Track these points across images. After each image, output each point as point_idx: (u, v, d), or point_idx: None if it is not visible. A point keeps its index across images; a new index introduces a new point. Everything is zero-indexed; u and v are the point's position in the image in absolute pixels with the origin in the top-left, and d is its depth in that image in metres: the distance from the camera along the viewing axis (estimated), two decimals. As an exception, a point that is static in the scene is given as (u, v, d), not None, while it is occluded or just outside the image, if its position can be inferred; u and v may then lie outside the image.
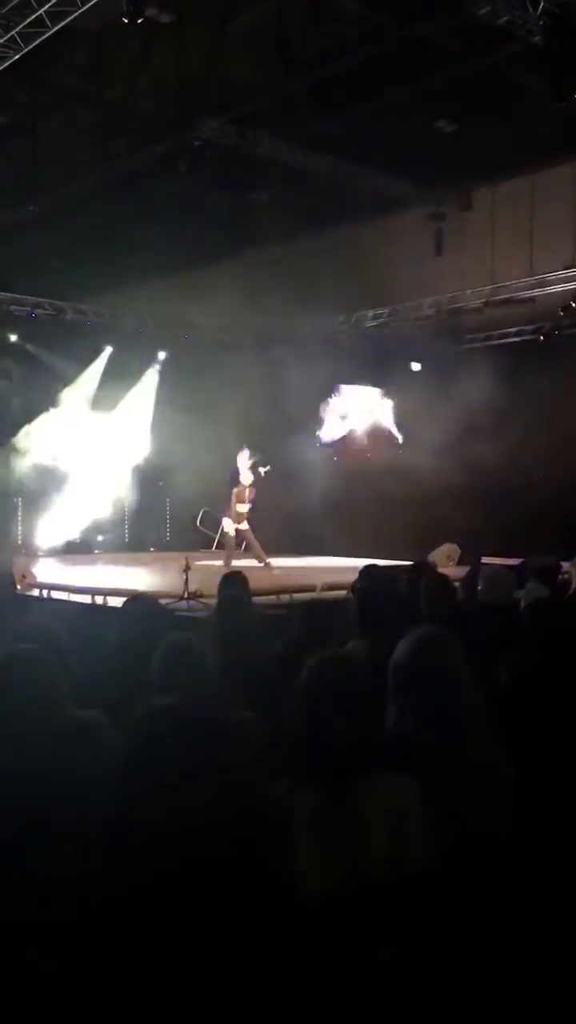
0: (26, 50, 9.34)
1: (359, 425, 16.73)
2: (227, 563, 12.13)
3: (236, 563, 11.64)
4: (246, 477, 13.12)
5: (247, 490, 13.09)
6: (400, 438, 16.13)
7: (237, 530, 13.14)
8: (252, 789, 1.98)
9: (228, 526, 13.20)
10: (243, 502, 13.05)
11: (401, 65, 10.51)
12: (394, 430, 16.26)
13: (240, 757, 2.39)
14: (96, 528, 17.36)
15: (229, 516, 13.16)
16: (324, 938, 1.55)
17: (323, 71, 10.70)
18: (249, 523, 13.14)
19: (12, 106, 11.74)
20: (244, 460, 13.21)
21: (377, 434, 16.52)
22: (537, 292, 13.63)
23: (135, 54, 10.89)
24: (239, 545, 13.39)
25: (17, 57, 9.43)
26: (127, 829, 1.56)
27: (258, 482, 13.21)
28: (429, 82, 10.88)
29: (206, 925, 1.39)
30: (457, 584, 5.93)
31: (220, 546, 13.93)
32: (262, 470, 13.22)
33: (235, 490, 13.15)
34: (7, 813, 2.11)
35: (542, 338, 13.86)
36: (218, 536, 13.88)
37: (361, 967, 1.52)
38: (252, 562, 12.56)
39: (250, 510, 13.14)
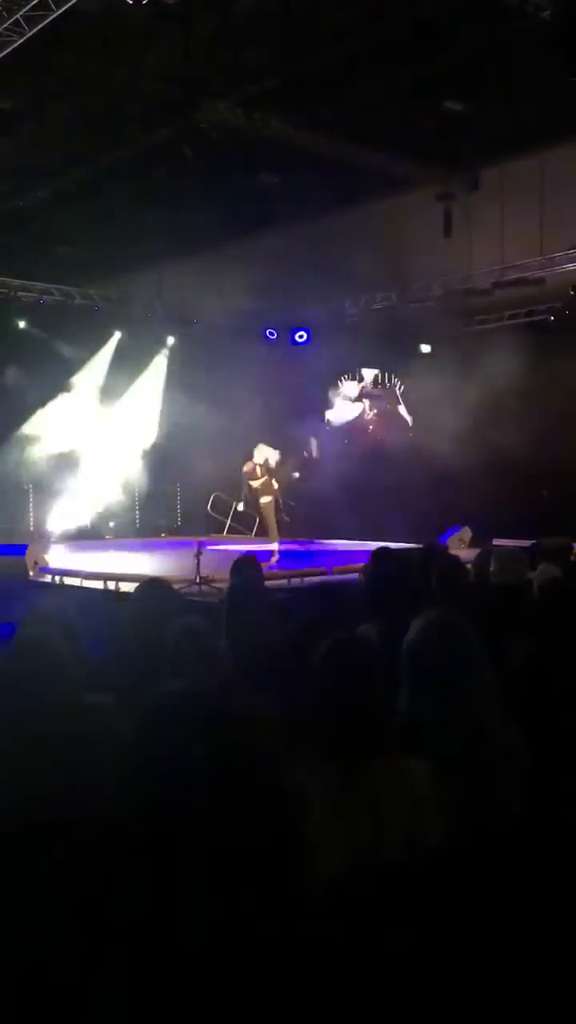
0: (30, 33, 9.29)
1: (369, 408, 16.69)
2: (272, 536, 12.16)
3: (247, 547, 11.64)
4: (260, 457, 13.01)
5: (256, 466, 12.95)
6: (410, 420, 16.09)
7: (259, 507, 13.04)
8: (265, 772, 1.97)
9: (264, 499, 13.05)
10: (255, 478, 12.93)
11: (409, 45, 10.41)
12: (404, 412, 16.23)
13: (253, 740, 2.38)
14: (107, 514, 17.39)
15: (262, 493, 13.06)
16: (338, 919, 1.55)
17: (330, 51, 10.61)
18: (275, 502, 13.04)
19: (17, 91, 11.68)
20: (262, 454, 13.07)
21: (387, 417, 16.49)
22: (547, 272, 13.53)
23: (140, 36, 10.82)
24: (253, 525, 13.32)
25: (21, 41, 9.37)
26: (138, 812, 1.56)
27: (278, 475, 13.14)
28: (437, 61, 10.78)
29: (220, 908, 1.39)
30: (469, 566, 5.91)
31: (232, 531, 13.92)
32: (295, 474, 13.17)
33: (244, 470, 13.05)
34: (20, 796, 2.12)
35: (552, 318, 13.77)
36: (229, 520, 13.84)
37: (376, 948, 1.52)
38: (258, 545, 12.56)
39: (264, 487, 13.02)
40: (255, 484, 12.86)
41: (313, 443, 13.13)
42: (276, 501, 12.93)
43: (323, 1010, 1.36)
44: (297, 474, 13.31)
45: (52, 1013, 1.48)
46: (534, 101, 11.27)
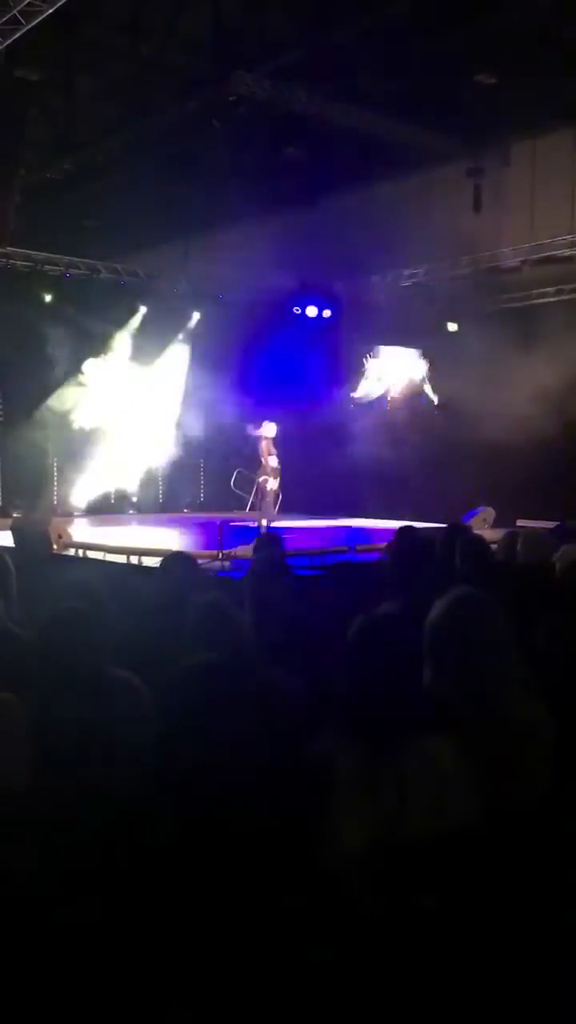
0: (60, 3, 9.22)
1: (394, 386, 16.60)
2: (268, 516, 12.19)
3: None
4: (268, 431, 13.09)
5: (271, 442, 13.07)
6: (436, 400, 15.99)
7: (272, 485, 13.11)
8: (290, 746, 1.98)
9: (268, 481, 13.11)
10: (272, 455, 13.03)
11: (440, 17, 10.26)
12: (430, 391, 16.12)
13: (277, 714, 2.39)
14: (131, 488, 17.44)
15: (264, 472, 13.12)
16: (363, 890, 1.56)
17: (360, 23, 10.47)
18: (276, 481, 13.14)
19: (46, 62, 11.63)
20: (271, 431, 13.16)
21: (413, 395, 16.39)
22: (577, 250, 13.36)
23: (170, 7, 10.73)
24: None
25: (51, 11, 9.30)
26: (165, 784, 1.57)
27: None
28: (469, 34, 10.62)
29: (247, 880, 1.40)
30: (495, 546, 5.88)
31: (253, 507, 13.90)
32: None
33: (263, 444, 13.11)
34: (50, 769, 2.13)
35: (582, 297, 13.64)
36: (252, 496, 13.84)
37: (398, 920, 1.52)
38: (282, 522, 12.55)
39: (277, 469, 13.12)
40: (273, 464, 12.95)
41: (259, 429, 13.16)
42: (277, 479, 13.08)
43: (341, 976, 1.37)
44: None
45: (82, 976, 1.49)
46: (567, 75, 11.08)
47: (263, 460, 13.09)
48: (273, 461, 13.04)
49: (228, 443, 15.81)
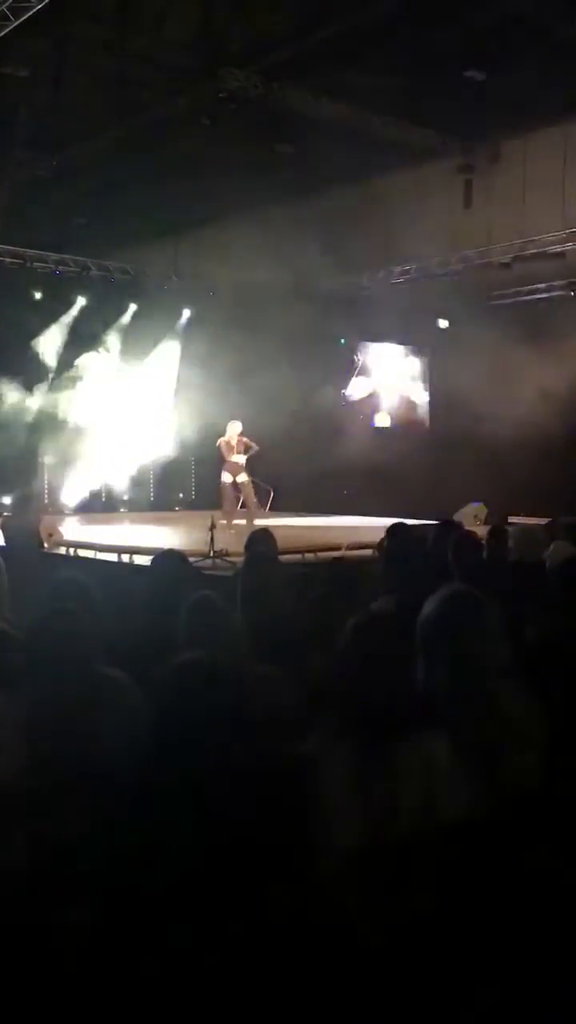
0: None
1: (386, 383, 16.61)
2: (226, 517, 12.31)
3: (263, 521, 11.64)
4: (233, 429, 13.25)
5: (235, 440, 13.15)
6: (427, 396, 16.00)
7: (235, 482, 13.24)
8: (280, 744, 1.98)
9: (226, 478, 13.31)
10: (234, 452, 13.14)
11: (430, 12, 10.24)
12: (421, 388, 16.14)
13: (268, 712, 2.38)
14: (122, 487, 17.41)
15: (238, 471, 13.30)
16: (355, 888, 1.55)
17: (350, 19, 10.45)
18: (249, 476, 13.28)
19: (34, 58, 11.56)
20: (235, 430, 13.28)
21: (403, 392, 16.40)
22: (568, 246, 13.36)
23: (159, 3, 10.69)
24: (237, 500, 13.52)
25: (40, 6, 9.25)
26: (155, 783, 1.56)
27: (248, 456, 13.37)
28: (458, 30, 10.60)
29: (235, 879, 1.39)
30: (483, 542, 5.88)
31: (244, 505, 13.92)
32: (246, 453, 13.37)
33: (220, 443, 13.29)
34: (41, 768, 2.12)
35: (573, 293, 13.65)
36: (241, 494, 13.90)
37: (391, 917, 1.52)
38: (273, 520, 12.60)
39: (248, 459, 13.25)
40: (237, 460, 13.13)
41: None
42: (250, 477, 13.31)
43: (334, 976, 1.36)
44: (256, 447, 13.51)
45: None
46: (558, 71, 11.08)
47: (225, 458, 13.26)
48: (239, 459, 13.20)
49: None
